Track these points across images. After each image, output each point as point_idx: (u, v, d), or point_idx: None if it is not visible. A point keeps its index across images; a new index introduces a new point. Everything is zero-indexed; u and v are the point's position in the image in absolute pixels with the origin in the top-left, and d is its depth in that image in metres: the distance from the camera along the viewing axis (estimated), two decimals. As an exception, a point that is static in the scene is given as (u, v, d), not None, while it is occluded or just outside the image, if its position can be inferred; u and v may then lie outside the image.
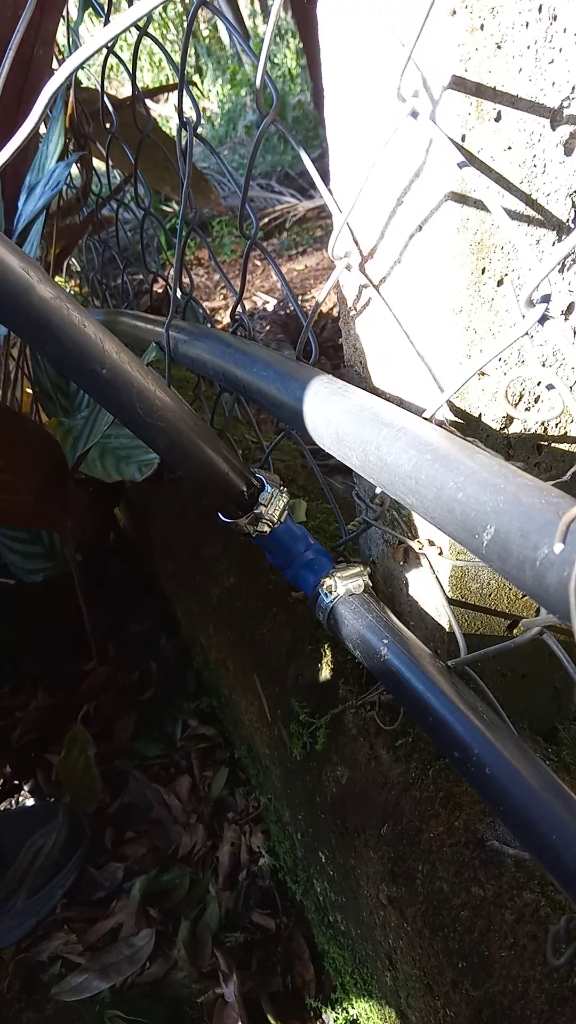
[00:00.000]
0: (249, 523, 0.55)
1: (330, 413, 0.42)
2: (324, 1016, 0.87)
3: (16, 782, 1.26)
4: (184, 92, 0.61)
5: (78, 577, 1.20)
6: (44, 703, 1.32)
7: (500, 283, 0.40)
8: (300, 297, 2.72)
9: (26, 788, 1.25)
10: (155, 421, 0.47)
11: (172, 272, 0.82)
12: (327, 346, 2.00)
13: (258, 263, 3.27)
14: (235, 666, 0.93)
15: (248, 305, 2.63)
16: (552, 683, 0.59)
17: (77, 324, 0.42)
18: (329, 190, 0.47)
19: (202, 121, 0.66)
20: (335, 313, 2.47)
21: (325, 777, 0.67)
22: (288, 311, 2.45)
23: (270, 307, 2.56)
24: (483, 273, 0.40)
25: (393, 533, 0.53)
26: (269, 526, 0.54)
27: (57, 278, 2.25)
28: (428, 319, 0.42)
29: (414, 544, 0.51)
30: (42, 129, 1.13)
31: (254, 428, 0.88)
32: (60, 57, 1.13)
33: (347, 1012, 0.86)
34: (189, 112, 0.64)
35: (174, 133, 1.28)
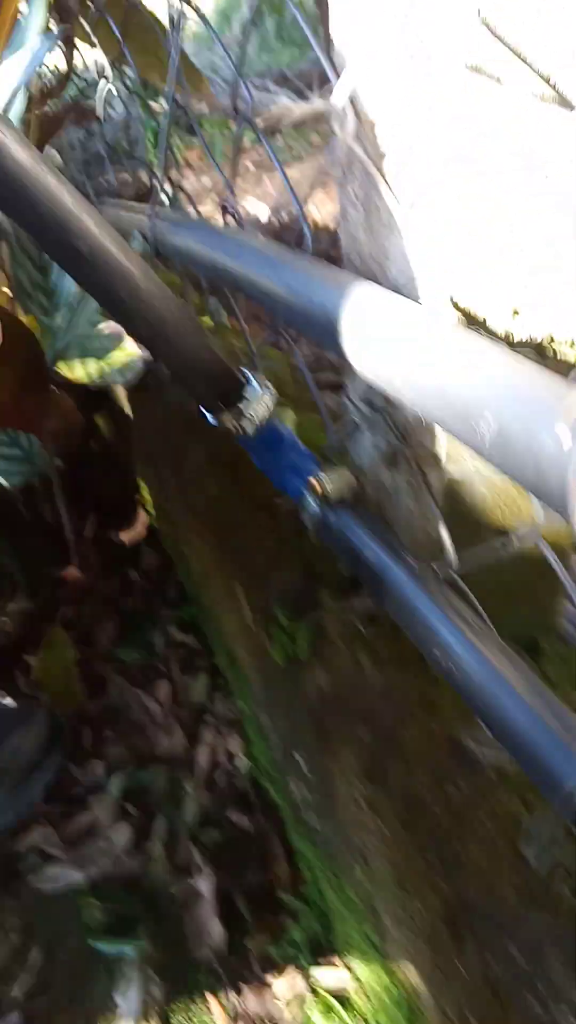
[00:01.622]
0: (233, 419, 0.53)
1: (326, 300, 0.40)
2: (294, 908, 0.91)
3: (-4, 685, 1.27)
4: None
5: (57, 482, 1.18)
6: (23, 607, 1.32)
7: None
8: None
9: (5, 691, 1.26)
10: (137, 306, 0.45)
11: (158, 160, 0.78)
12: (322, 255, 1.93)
13: (249, 166, 3.13)
14: (218, 574, 0.93)
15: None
16: (536, 597, 0.59)
17: (56, 195, 0.39)
18: (331, 60, 0.44)
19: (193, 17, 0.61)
20: (330, 226, 2.38)
21: (305, 682, 0.68)
22: (282, 221, 2.36)
23: (263, 217, 2.47)
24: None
25: (386, 438, 0.51)
26: (253, 424, 0.52)
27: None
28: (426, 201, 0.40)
29: (407, 450, 0.49)
30: (24, 7, 1.05)
31: (244, 336, 0.85)
32: None
33: (318, 906, 0.89)
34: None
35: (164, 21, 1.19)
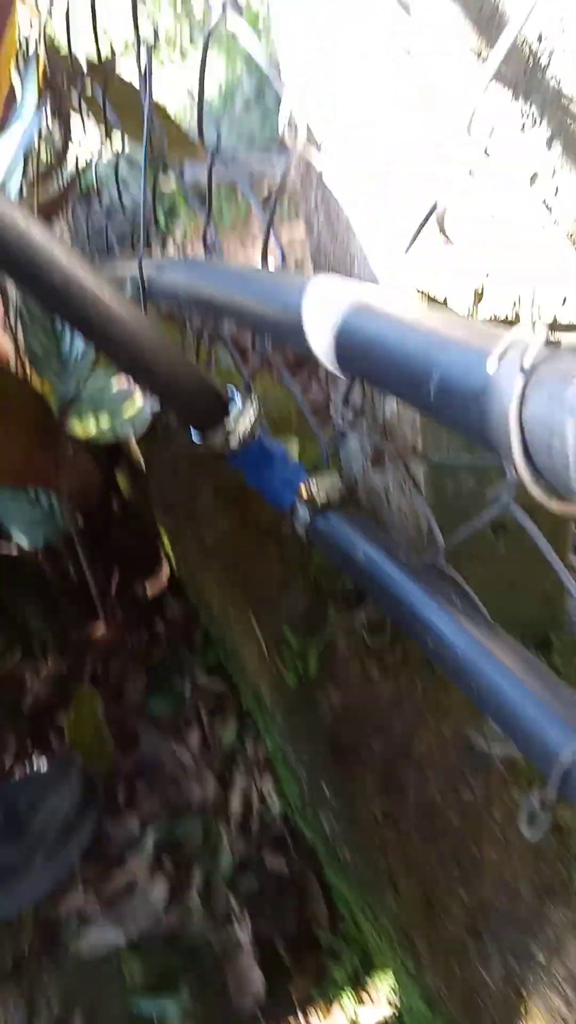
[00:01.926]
0: (223, 441, 0.54)
1: (289, 301, 0.41)
2: (335, 948, 0.87)
3: (30, 748, 1.27)
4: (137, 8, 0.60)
5: (79, 540, 1.20)
6: (54, 669, 1.33)
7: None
8: (296, 263, 2.69)
9: (40, 753, 1.26)
10: (113, 334, 0.46)
11: (179, 228, 0.81)
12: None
13: (257, 232, 3.24)
14: (234, 610, 0.93)
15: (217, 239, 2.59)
16: (542, 590, 0.58)
17: (23, 230, 0.41)
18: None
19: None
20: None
21: (320, 703, 0.67)
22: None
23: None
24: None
25: (369, 437, 0.52)
26: (238, 438, 0.53)
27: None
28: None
29: (388, 445, 0.50)
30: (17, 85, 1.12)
31: (235, 362, 0.87)
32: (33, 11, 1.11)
33: (357, 943, 0.86)
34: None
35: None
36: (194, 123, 0.59)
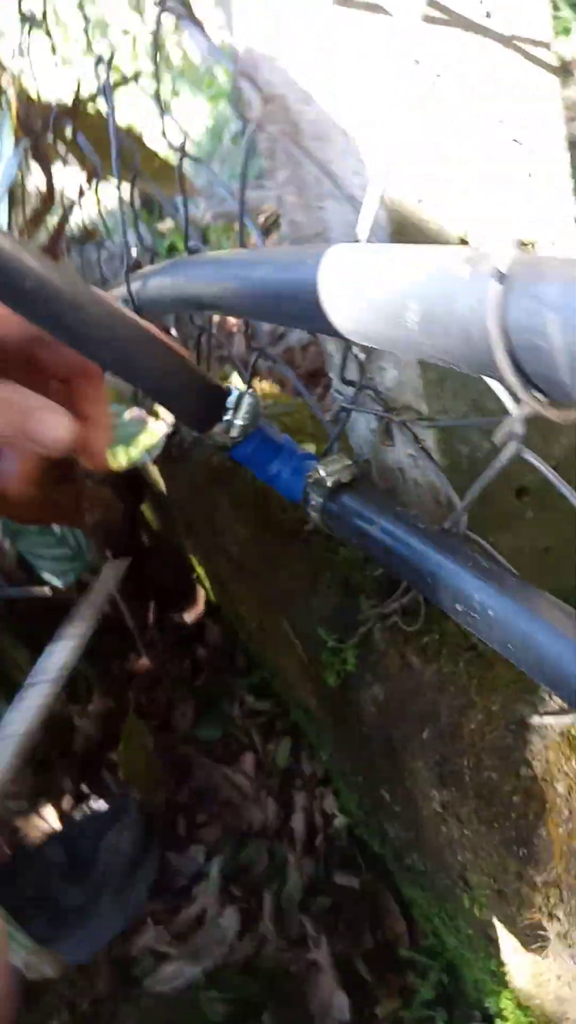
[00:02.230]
0: (223, 431, 0.52)
1: (293, 275, 0.40)
2: (419, 963, 0.83)
3: (84, 787, 1.26)
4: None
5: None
6: (100, 707, 1.32)
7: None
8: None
9: (95, 793, 1.25)
10: (93, 332, 0.45)
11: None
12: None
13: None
14: (268, 620, 0.91)
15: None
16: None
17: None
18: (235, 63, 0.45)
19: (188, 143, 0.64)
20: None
21: (363, 701, 0.64)
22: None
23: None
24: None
25: (372, 411, 0.50)
26: (240, 431, 0.51)
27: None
28: (347, 155, 0.39)
29: (393, 415, 0.48)
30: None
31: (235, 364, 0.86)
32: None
33: (443, 956, 0.82)
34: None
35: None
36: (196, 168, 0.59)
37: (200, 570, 1.35)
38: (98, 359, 0.47)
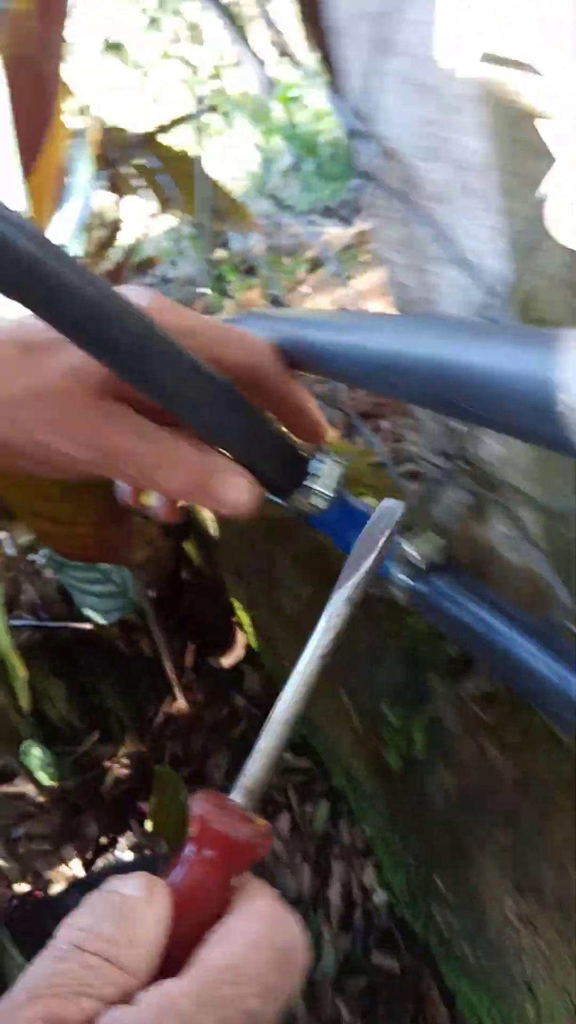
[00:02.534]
0: (303, 498, 0.49)
1: (379, 345, 0.37)
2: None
3: (112, 836, 1.22)
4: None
5: (152, 614, 1.16)
6: (133, 750, 1.28)
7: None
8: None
9: (123, 841, 1.21)
10: (184, 390, 0.42)
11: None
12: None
13: (307, 288, 3.27)
14: (321, 684, 0.87)
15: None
16: None
17: (89, 282, 0.38)
18: (349, 108, 0.42)
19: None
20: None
21: (429, 785, 0.60)
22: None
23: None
24: (527, 148, 0.34)
25: (468, 487, 0.46)
26: (325, 500, 0.48)
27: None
28: (475, 219, 0.36)
29: (494, 495, 0.44)
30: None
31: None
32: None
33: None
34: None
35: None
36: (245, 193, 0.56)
37: (243, 615, 1.31)
38: (184, 417, 0.44)
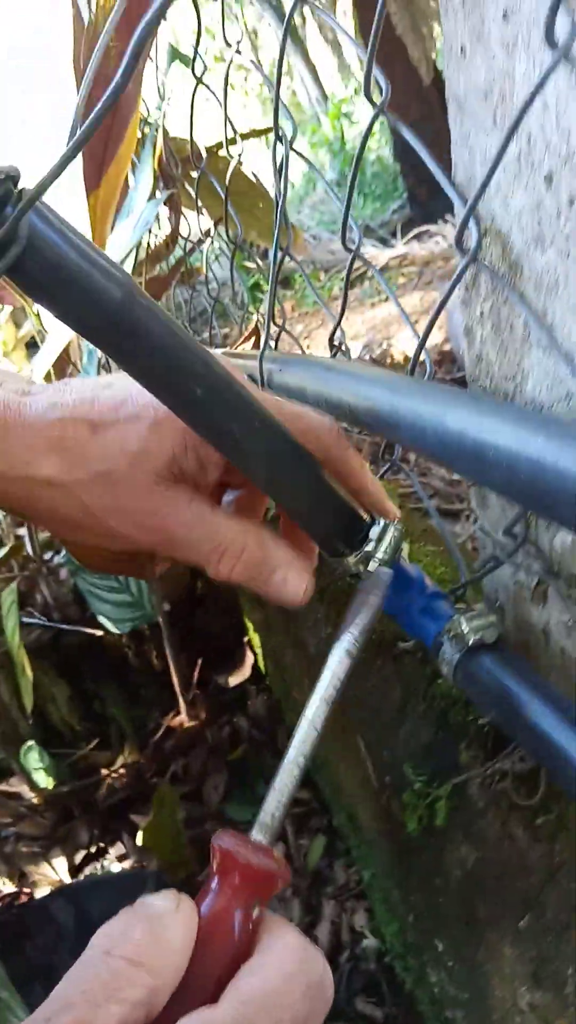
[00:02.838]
0: (358, 562, 0.48)
1: (462, 424, 0.35)
2: None
3: (102, 845, 1.21)
4: (279, 104, 0.57)
5: (166, 627, 1.15)
6: (131, 760, 1.27)
7: None
8: (385, 340, 2.68)
9: (112, 852, 1.20)
10: (254, 447, 0.42)
11: (265, 305, 0.78)
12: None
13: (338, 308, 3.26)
14: (334, 725, 0.85)
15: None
16: None
17: (171, 334, 0.37)
18: (451, 181, 0.42)
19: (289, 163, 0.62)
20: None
21: (447, 857, 0.59)
22: (373, 355, 2.41)
23: (355, 352, 2.53)
24: None
25: (531, 571, 0.45)
26: (381, 564, 0.47)
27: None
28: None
29: (558, 584, 0.43)
30: (132, 176, 1.13)
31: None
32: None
33: None
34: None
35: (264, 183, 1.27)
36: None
37: (255, 636, 1.30)
38: (250, 473, 0.43)
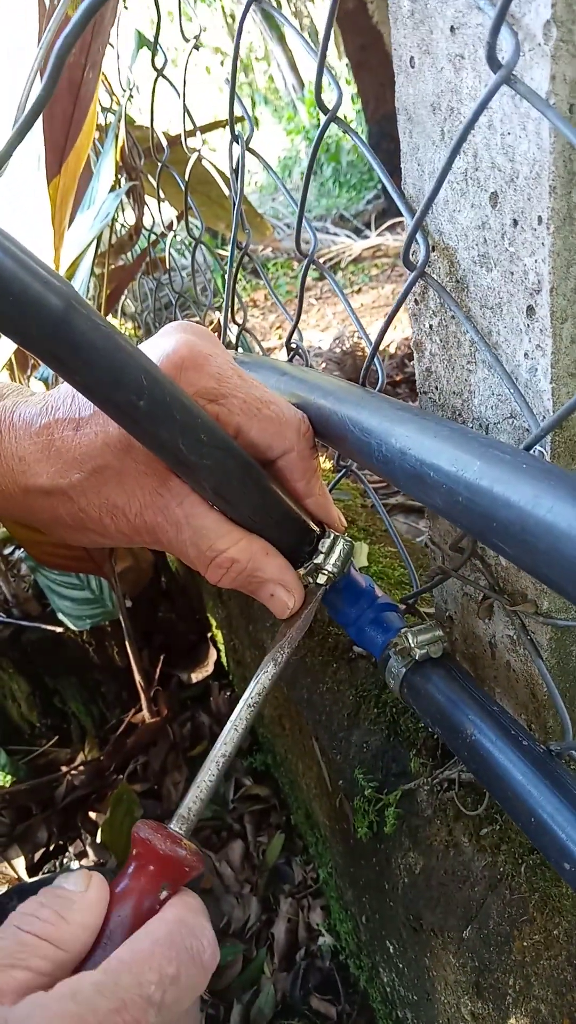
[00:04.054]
0: (307, 574, 0.48)
1: (404, 443, 0.35)
2: None
3: (61, 843, 1.20)
4: (235, 103, 0.56)
5: (126, 623, 1.14)
6: (91, 757, 1.26)
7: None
8: (355, 334, 2.67)
9: (71, 850, 1.19)
10: (200, 459, 0.41)
11: (224, 302, 0.78)
12: (387, 382, 1.93)
13: (313, 302, 3.25)
14: (292, 726, 0.85)
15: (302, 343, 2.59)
16: None
17: (113, 346, 0.36)
18: (400, 191, 0.41)
19: (254, 164, 0.61)
20: (391, 350, 2.42)
21: (395, 863, 0.59)
22: (344, 348, 2.40)
23: (324, 345, 2.52)
24: (594, 275, 0.33)
25: (476, 586, 0.45)
26: (329, 577, 0.47)
27: (110, 318, 2.25)
28: (522, 333, 0.35)
29: (502, 600, 0.43)
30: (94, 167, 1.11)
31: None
32: (109, 89, 1.11)
33: None
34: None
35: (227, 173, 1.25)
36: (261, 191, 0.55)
37: (219, 634, 1.30)
38: (198, 485, 0.43)
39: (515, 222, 0.33)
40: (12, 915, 0.33)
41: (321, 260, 3.71)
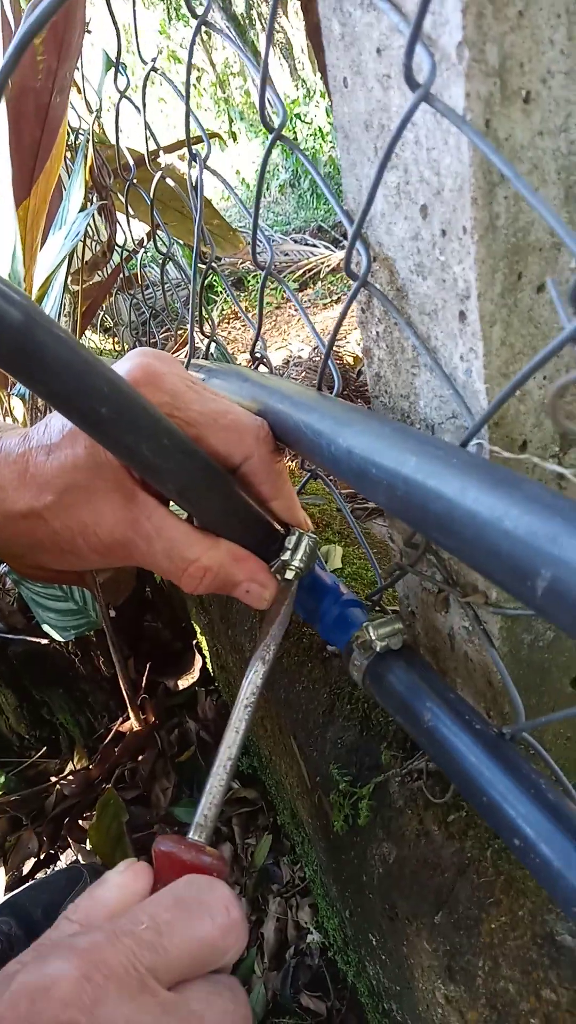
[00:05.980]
0: (275, 571, 0.49)
1: (350, 442, 0.37)
2: None
3: (52, 852, 1.21)
4: (191, 118, 0.58)
5: (111, 633, 1.15)
6: (80, 767, 1.27)
7: (540, 289, 0.35)
8: (336, 343, 2.70)
9: (63, 858, 1.20)
10: (163, 463, 0.43)
11: (191, 313, 0.79)
12: (364, 390, 1.96)
13: (294, 313, 3.27)
14: (272, 726, 0.87)
15: (284, 354, 2.61)
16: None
17: (75, 357, 0.38)
18: (341, 207, 0.43)
19: (237, 184, 0.63)
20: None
21: (370, 854, 0.61)
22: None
23: (305, 354, 2.54)
24: (519, 279, 0.35)
25: (432, 580, 0.47)
26: (297, 573, 0.49)
27: (89, 333, 2.27)
28: (456, 337, 0.37)
29: (455, 592, 0.45)
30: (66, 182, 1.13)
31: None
32: (83, 110, 1.13)
33: None
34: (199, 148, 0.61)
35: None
36: (231, 208, 0.57)
37: (203, 639, 1.31)
38: (164, 488, 0.44)
39: (444, 232, 0.35)
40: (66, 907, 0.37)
41: (300, 271, 3.74)
